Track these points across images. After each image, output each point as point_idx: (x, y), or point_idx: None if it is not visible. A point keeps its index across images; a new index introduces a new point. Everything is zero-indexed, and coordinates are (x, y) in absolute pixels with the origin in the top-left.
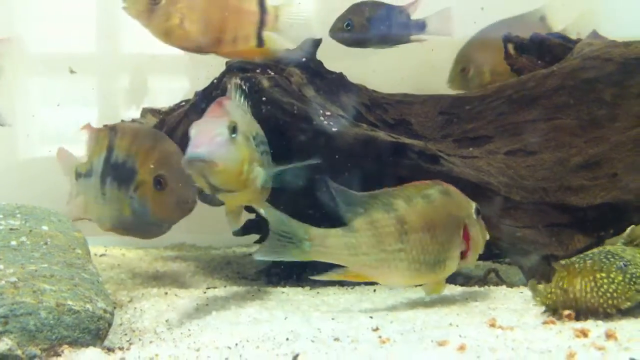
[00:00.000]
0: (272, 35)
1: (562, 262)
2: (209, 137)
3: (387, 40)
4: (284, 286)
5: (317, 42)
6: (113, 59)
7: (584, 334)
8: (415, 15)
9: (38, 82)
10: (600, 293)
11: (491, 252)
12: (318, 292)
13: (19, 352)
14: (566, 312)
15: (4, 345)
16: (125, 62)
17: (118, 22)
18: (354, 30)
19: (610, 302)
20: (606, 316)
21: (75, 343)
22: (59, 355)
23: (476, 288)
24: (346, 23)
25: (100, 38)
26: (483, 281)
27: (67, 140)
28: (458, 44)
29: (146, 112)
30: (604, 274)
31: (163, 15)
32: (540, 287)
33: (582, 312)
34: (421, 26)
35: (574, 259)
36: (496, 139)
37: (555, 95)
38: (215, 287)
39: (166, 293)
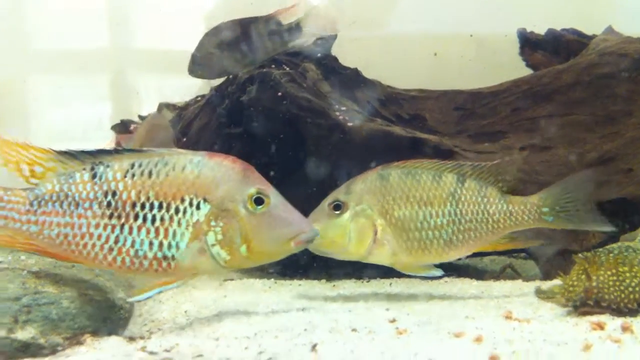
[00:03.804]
0: None
1: (582, 255)
2: None
3: (254, 57)
4: (300, 279)
5: (332, 38)
6: (125, 55)
7: (600, 326)
8: None
9: (48, 79)
10: (622, 287)
11: None
12: (334, 285)
13: (42, 340)
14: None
15: (27, 334)
16: (138, 58)
17: (130, 18)
18: (204, 61)
19: (632, 296)
20: (628, 310)
21: (97, 332)
22: (82, 344)
23: (491, 282)
24: (193, 58)
25: (112, 34)
26: (498, 275)
27: (76, 138)
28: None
29: (162, 107)
30: (626, 268)
31: None
32: (552, 287)
33: (605, 305)
34: (296, 30)
35: (594, 251)
36: (511, 135)
37: (571, 91)
38: (232, 279)
39: (184, 285)
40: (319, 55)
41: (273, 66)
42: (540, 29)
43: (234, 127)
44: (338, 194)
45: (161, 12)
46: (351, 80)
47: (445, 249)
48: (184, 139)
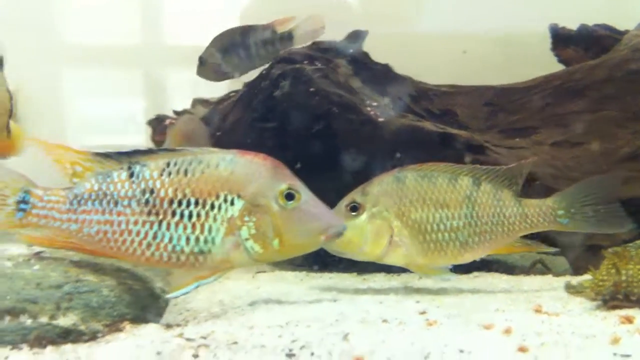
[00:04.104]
0: (14, 125)
1: (611, 250)
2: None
3: (250, 62)
4: (331, 272)
5: (363, 34)
6: (157, 51)
7: (629, 320)
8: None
9: (82, 73)
10: None
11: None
12: (364, 279)
13: (82, 327)
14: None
15: (69, 321)
16: (169, 54)
17: (162, 14)
18: (208, 64)
19: None
20: None
21: (136, 320)
22: (121, 330)
23: (521, 277)
24: (200, 60)
25: (145, 29)
26: (528, 270)
27: (112, 131)
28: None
29: (196, 102)
30: None
31: None
32: (582, 282)
33: (634, 299)
34: (288, 39)
35: (624, 246)
36: (542, 130)
37: (602, 87)
38: (264, 272)
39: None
40: (350, 51)
41: (306, 62)
42: (572, 25)
43: (267, 122)
44: (355, 196)
45: (193, 9)
46: (382, 76)
47: (460, 251)
48: (218, 134)
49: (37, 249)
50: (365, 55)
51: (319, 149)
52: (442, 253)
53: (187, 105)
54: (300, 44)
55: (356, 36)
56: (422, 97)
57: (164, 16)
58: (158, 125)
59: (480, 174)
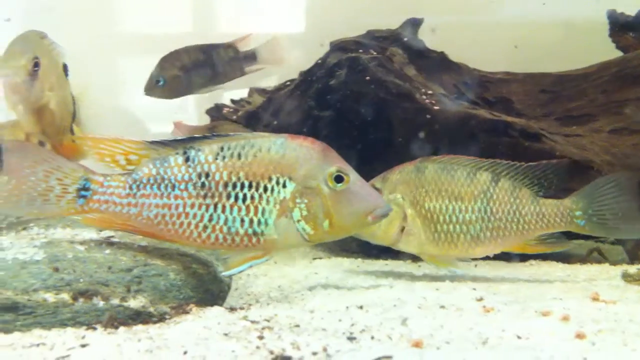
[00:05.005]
0: (77, 129)
1: None
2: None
3: (215, 80)
4: (386, 259)
5: (418, 22)
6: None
7: None
8: None
9: (136, 62)
10: None
11: None
12: (419, 265)
13: (151, 309)
14: None
15: (138, 303)
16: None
17: (213, 3)
18: (168, 83)
19: None
20: None
21: (200, 302)
22: (187, 312)
23: (578, 265)
24: (156, 80)
25: (196, 19)
26: (585, 259)
27: (164, 120)
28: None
29: (253, 91)
30: None
31: (40, 90)
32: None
33: None
34: (251, 57)
35: None
36: (600, 117)
37: None
38: (320, 258)
39: (275, 262)
40: (405, 39)
41: (361, 51)
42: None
43: (322, 110)
44: (375, 181)
45: None
46: (438, 64)
47: (472, 244)
48: (275, 122)
49: (106, 233)
50: (421, 43)
51: (374, 137)
52: (453, 245)
53: (244, 94)
54: (264, 62)
55: (411, 24)
56: (477, 84)
57: (216, 4)
58: (217, 113)
59: (501, 170)
